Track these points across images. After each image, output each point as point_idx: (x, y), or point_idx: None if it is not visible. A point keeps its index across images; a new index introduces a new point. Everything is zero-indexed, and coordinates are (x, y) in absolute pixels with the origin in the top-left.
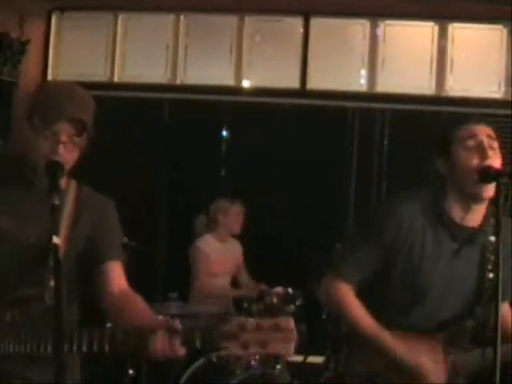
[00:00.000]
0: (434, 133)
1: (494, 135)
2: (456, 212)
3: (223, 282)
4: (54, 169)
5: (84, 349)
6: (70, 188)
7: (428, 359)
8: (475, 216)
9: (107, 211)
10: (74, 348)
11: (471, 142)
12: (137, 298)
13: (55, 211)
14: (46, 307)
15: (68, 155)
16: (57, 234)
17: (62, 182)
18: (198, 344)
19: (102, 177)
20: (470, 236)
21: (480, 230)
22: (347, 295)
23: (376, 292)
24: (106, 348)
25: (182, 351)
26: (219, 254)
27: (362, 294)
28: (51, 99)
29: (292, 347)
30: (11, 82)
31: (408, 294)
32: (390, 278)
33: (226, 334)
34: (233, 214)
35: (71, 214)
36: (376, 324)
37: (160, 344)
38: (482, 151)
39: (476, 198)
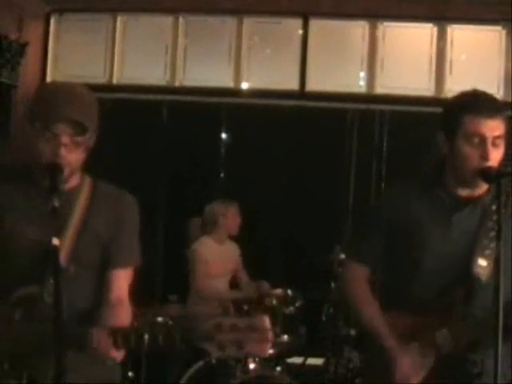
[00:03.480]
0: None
1: (502, 132)
2: (452, 185)
3: (222, 283)
4: (54, 171)
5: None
6: (83, 186)
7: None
8: (474, 190)
9: (126, 211)
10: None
11: (476, 140)
12: (125, 311)
13: (55, 213)
14: (46, 306)
15: (71, 156)
16: (57, 236)
17: (73, 181)
18: (177, 344)
19: (99, 178)
20: (466, 204)
21: (477, 200)
22: (357, 278)
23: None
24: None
25: (117, 355)
26: (217, 256)
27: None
28: (50, 101)
29: (267, 347)
30: (10, 85)
31: (410, 265)
32: (394, 251)
33: (203, 334)
34: (230, 216)
35: (83, 212)
36: (380, 317)
37: (95, 342)
38: (484, 151)
39: (470, 187)
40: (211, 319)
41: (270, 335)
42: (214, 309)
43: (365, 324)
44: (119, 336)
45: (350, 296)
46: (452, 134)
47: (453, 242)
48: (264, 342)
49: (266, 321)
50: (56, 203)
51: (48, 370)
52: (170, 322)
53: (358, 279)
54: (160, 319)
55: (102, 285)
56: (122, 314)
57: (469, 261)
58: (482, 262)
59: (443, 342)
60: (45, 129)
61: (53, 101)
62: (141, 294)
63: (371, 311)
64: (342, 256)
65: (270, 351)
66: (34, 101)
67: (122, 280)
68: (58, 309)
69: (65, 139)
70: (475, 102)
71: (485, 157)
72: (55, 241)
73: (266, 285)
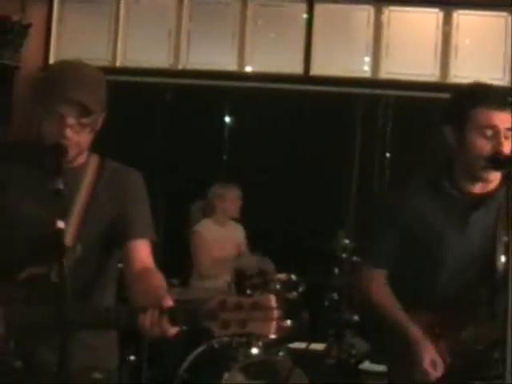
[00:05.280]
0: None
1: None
2: (463, 182)
3: (224, 266)
4: (56, 151)
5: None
6: (89, 164)
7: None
8: (485, 185)
9: (133, 186)
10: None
11: (489, 132)
12: (154, 275)
13: (59, 195)
14: (53, 285)
15: (78, 137)
16: (62, 218)
17: (79, 160)
18: (182, 323)
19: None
20: (480, 202)
21: (491, 196)
22: (377, 282)
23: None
24: (103, 324)
25: (171, 331)
26: (218, 238)
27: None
28: (56, 81)
29: (272, 326)
30: (12, 66)
31: (430, 267)
32: (412, 254)
33: (207, 312)
34: (230, 199)
35: (90, 189)
36: (404, 314)
37: (147, 322)
38: (497, 141)
39: (481, 181)
40: (215, 297)
41: (276, 314)
42: (215, 292)
43: (391, 324)
44: (169, 312)
45: (372, 300)
46: (462, 126)
47: (472, 242)
48: (269, 321)
49: (272, 300)
50: (60, 185)
51: (52, 351)
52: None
53: (378, 283)
54: None
55: (108, 264)
56: (156, 279)
57: (490, 258)
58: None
59: (469, 340)
60: (50, 109)
61: (59, 81)
62: None
63: (395, 311)
64: (346, 241)
65: (274, 332)
66: (41, 80)
67: (143, 251)
68: (63, 291)
69: (70, 120)
70: (485, 94)
71: (498, 149)
72: (60, 223)
73: (267, 260)
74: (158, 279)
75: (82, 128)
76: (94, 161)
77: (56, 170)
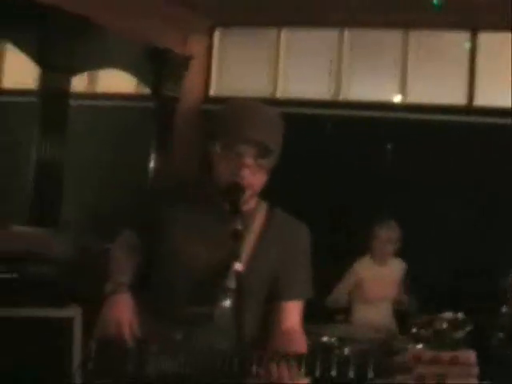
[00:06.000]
0: None
1: None
2: None
3: (378, 308)
4: (235, 191)
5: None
6: (258, 210)
7: None
8: None
9: (299, 242)
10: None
11: None
12: (299, 338)
13: (237, 236)
14: (214, 327)
15: (253, 178)
16: (239, 260)
17: (250, 204)
18: (369, 373)
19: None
20: None
21: None
22: None
23: None
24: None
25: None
26: (374, 277)
27: None
28: (234, 120)
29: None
30: (174, 97)
31: None
32: None
33: (400, 365)
34: (386, 239)
35: (257, 238)
36: None
37: (274, 370)
38: None
39: None
40: (409, 350)
41: (475, 371)
42: (376, 333)
43: None
44: (302, 364)
45: None
46: None
47: None
48: (469, 377)
49: (472, 356)
50: (239, 226)
51: None
52: (335, 342)
53: None
54: (325, 339)
55: (263, 315)
56: (298, 341)
57: None
58: None
59: None
60: (227, 148)
61: (238, 120)
62: (309, 312)
63: None
64: None
65: None
66: (217, 118)
67: (294, 312)
68: (240, 335)
69: (248, 160)
70: None
71: None
72: (238, 266)
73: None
74: (301, 342)
75: (258, 169)
76: (263, 208)
77: (235, 209)
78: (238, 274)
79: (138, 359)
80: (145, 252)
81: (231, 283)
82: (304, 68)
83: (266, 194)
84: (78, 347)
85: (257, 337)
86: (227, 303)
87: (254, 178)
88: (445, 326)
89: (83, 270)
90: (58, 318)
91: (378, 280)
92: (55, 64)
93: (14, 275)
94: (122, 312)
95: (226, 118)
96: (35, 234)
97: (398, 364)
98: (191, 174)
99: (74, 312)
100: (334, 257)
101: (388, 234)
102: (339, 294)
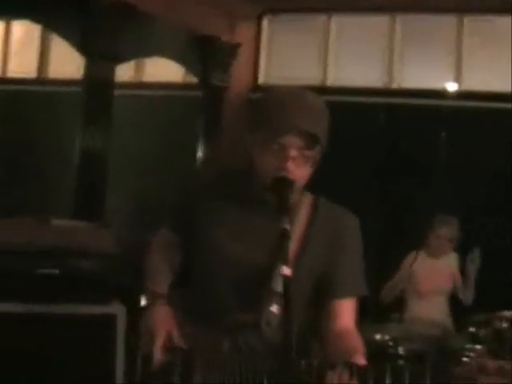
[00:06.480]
0: None
1: None
2: None
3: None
4: (283, 186)
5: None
6: (302, 203)
7: None
8: None
9: (348, 232)
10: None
11: None
12: (353, 337)
13: (285, 237)
14: (261, 336)
15: (299, 171)
16: (286, 264)
17: (294, 197)
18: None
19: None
20: None
21: None
22: None
23: None
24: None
25: None
26: (428, 271)
27: None
28: (278, 109)
29: None
30: (222, 86)
31: None
32: None
33: (462, 375)
34: (443, 235)
35: (303, 233)
36: None
37: (335, 380)
38: None
39: None
40: (471, 361)
41: None
42: (431, 328)
43: None
44: (355, 371)
45: None
46: None
47: None
48: None
49: None
50: (287, 225)
51: None
52: (389, 341)
53: None
54: (378, 336)
55: (312, 314)
56: (353, 341)
57: None
58: None
59: None
60: (271, 139)
61: (282, 109)
62: (368, 311)
63: None
64: None
65: None
66: (257, 108)
67: (348, 311)
68: (288, 343)
69: (293, 152)
70: None
71: None
72: (286, 270)
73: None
74: (356, 341)
75: (304, 161)
76: (308, 200)
77: (283, 207)
78: (287, 279)
79: (185, 372)
80: (184, 250)
81: (278, 286)
82: (355, 55)
83: (315, 186)
84: (121, 346)
85: (307, 343)
86: (274, 308)
87: (300, 171)
88: (505, 325)
89: (128, 265)
90: (100, 316)
91: (431, 272)
92: (99, 52)
93: (55, 271)
94: (164, 326)
95: (268, 106)
96: (76, 228)
97: (458, 374)
98: (238, 166)
99: (117, 309)
100: (385, 251)
101: (448, 233)
102: (391, 288)
